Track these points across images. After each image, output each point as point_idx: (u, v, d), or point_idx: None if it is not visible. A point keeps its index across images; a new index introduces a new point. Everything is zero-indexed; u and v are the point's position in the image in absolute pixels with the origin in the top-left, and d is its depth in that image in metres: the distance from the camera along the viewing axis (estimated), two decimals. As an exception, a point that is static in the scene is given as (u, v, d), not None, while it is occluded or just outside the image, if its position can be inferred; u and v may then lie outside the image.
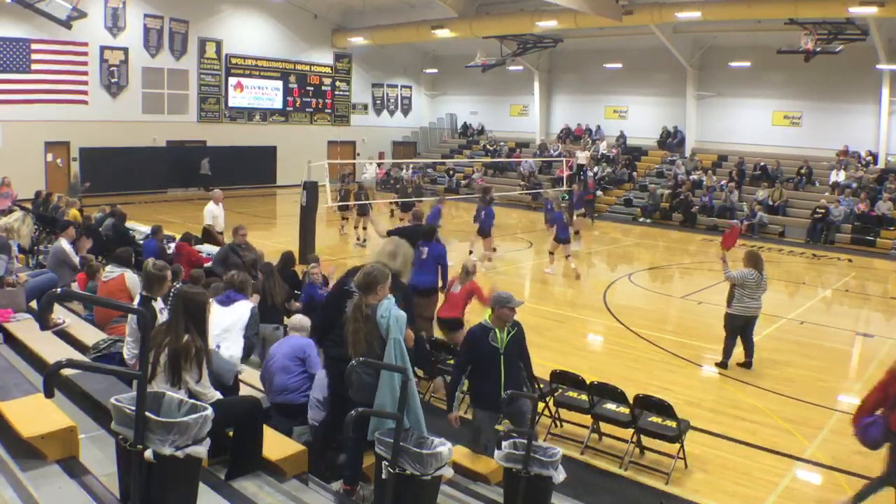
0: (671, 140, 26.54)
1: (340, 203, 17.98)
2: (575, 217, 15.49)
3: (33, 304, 6.78)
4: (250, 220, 19.38)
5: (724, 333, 8.83)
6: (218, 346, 4.78)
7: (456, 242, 16.54)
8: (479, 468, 5.26)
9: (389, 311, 4.24)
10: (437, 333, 8.48)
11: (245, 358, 5.15)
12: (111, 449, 3.42)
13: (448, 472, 4.06)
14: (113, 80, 22.91)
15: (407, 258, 4.96)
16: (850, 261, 17.57)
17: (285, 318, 7.77)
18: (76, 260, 8.47)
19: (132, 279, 6.93)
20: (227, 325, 5.00)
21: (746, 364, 8.78)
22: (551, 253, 14.46)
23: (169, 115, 24.63)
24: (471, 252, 14.76)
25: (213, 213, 13.05)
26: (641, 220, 22.88)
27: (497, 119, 32.01)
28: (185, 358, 3.72)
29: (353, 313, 4.29)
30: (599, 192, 23.74)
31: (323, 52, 29.39)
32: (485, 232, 14.90)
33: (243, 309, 5.11)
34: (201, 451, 3.08)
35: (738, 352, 8.83)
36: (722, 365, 8.80)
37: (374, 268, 4.40)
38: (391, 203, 22.24)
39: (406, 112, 33.77)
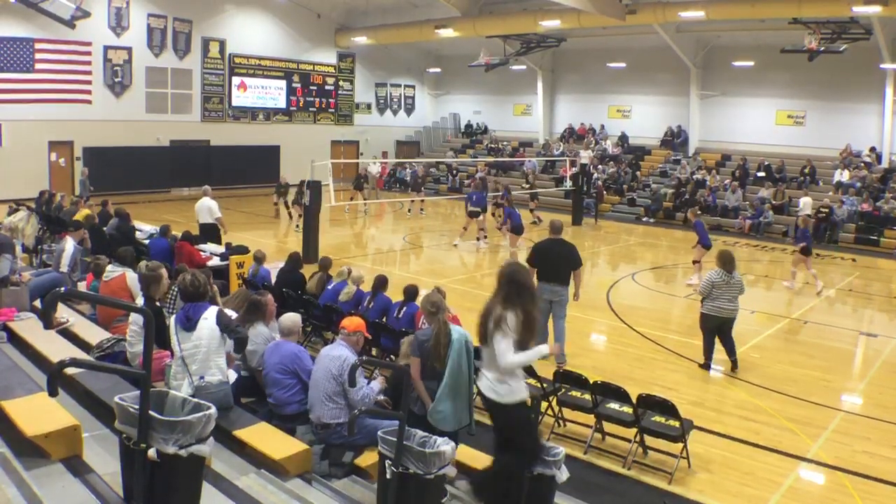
0: (675, 139, 26.50)
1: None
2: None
3: (37, 303, 6.80)
4: (253, 220, 19.48)
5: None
6: (202, 378, 4.46)
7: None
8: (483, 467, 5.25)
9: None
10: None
11: (240, 353, 4.89)
12: (115, 448, 3.43)
13: (451, 471, 4.05)
14: (116, 80, 22.95)
15: None
16: (853, 260, 17.53)
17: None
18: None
19: (133, 278, 6.94)
20: (203, 353, 4.49)
21: (732, 364, 8.61)
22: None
23: (172, 115, 24.66)
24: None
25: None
26: (645, 219, 22.86)
27: (500, 118, 31.99)
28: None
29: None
30: (594, 192, 23.45)
31: (326, 51, 29.39)
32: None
33: (210, 324, 4.50)
34: (205, 449, 3.08)
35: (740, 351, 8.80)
36: (705, 367, 8.69)
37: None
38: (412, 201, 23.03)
39: (409, 111, 33.76)
